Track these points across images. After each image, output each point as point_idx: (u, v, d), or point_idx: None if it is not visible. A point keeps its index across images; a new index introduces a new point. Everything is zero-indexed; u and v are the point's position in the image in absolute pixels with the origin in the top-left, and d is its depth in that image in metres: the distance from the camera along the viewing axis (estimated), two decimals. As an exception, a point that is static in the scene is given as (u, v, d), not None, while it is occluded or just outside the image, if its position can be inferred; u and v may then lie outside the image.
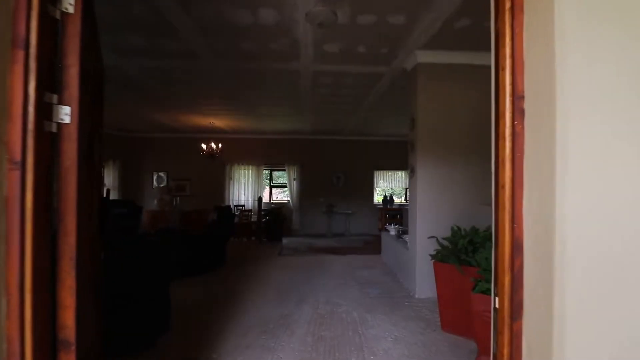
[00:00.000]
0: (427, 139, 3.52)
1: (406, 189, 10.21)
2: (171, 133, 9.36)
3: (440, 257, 2.76)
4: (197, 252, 3.93)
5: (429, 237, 3.22)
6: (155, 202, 9.39)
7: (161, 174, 9.77)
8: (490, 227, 2.85)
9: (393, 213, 9.48)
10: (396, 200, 9.93)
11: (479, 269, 2.44)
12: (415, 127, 3.60)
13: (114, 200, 5.63)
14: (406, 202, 10.07)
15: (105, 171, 8.94)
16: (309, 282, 3.91)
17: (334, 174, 9.74)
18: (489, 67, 1.22)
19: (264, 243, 6.02)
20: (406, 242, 4.10)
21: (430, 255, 2.86)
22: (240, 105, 5.83)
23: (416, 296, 3.49)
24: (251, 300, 3.36)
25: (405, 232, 4.50)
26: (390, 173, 10.09)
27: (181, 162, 9.59)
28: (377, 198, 10.15)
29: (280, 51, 3.44)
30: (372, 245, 7.87)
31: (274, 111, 6.36)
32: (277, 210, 6.62)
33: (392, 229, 4.90)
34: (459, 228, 2.94)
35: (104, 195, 6.48)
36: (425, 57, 3.47)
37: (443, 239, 2.93)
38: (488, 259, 2.48)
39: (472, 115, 3.57)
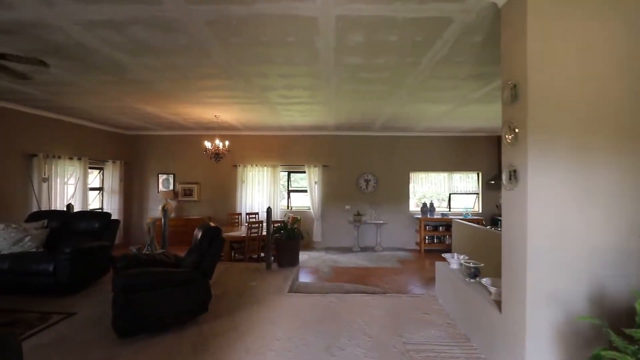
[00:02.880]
0: (546, 119, 1.95)
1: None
2: (176, 131, 8.26)
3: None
4: (160, 298, 2.59)
5: (580, 318, 1.65)
6: (160, 208, 8.32)
7: (168, 176, 8.71)
8: None
9: (435, 224, 7.82)
10: (437, 208, 8.23)
11: None
12: (519, 99, 2.03)
13: (81, 213, 4.44)
14: (449, 209, 8.34)
15: (105, 173, 8.00)
16: (331, 355, 2.43)
17: (363, 177, 8.23)
18: None
19: (273, 269, 4.62)
20: (488, 291, 2.53)
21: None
22: (242, 88, 4.48)
23: (526, 403, 1.93)
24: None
25: (479, 269, 2.92)
26: (423, 175, 8.41)
27: (189, 163, 8.49)
28: (413, 205, 8.51)
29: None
30: (412, 267, 6.28)
31: (288, 97, 4.95)
32: (292, 223, 5.20)
33: (454, 260, 3.33)
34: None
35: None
36: (541, -29, 1.91)
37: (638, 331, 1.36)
38: None
39: (626, 74, 1.97)
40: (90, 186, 7.33)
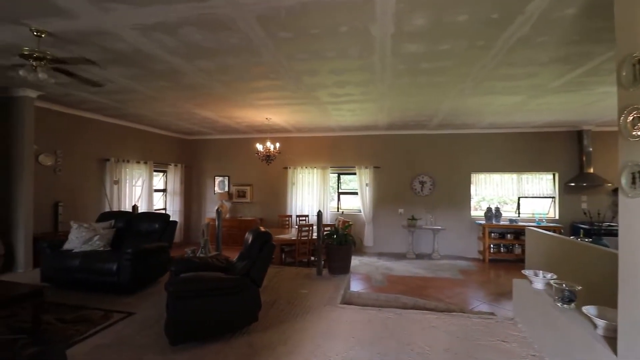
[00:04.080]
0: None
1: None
2: (230, 134, 8.52)
3: None
4: (210, 305, 2.51)
5: None
6: (216, 209, 8.65)
7: (223, 178, 9.02)
8: None
9: (501, 232, 7.00)
10: (504, 214, 7.36)
11: None
12: (646, 79, 1.55)
13: (143, 214, 4.67)
14: (518, 215, 7.41)
15: (168, 176, 8.52)
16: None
17: (417, 179, 7.69)
18: None
19: (324, 275, 4.41)
20: (593, 324, 2.01)
21: None
22: (292, 88, 4.35)
23: None
24: None
25: (574, 293, 2.38)
26: (482, 176, 7.54)
27: (242, 165, 8.69)
28: (474, 209, 7.73)
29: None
30: (475, 279, 5.64)
31: (338, 96, 4.72)
32: (343, 228, 4.95)
33: (539, 279, 2.79)
34: None
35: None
36: None
37: None
38: None
39: None
40: (155, 188, 7.84)
